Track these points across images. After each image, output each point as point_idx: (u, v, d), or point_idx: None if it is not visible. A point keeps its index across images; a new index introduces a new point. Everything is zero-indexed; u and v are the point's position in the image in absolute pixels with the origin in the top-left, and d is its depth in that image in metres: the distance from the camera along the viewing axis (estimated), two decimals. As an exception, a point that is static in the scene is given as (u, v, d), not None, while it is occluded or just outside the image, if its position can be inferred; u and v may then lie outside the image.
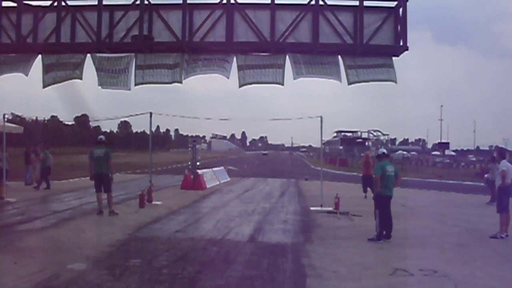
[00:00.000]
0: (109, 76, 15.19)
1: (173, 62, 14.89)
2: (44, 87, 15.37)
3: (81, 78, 15.21)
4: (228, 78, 14.98)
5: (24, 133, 33.57)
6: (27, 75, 15.43)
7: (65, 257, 11.34)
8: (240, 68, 14.83)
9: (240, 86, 14.95)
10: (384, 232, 14.44)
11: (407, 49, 14.38)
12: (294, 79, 14.78)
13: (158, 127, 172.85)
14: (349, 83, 14.76)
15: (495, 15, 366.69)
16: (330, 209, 20.14)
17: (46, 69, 15.31)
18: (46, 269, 10.04)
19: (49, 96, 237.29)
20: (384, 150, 15.76)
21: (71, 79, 15.25)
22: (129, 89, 15.17)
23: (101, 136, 19.01)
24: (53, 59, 15.33)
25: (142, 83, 15.02)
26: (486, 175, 32.40)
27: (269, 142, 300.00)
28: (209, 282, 9.76)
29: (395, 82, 14.74)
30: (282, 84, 14.79)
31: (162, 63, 14.97)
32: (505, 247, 14.03)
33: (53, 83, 15.35)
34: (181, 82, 14.84)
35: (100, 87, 15.23)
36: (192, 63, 14.95)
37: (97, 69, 15.22)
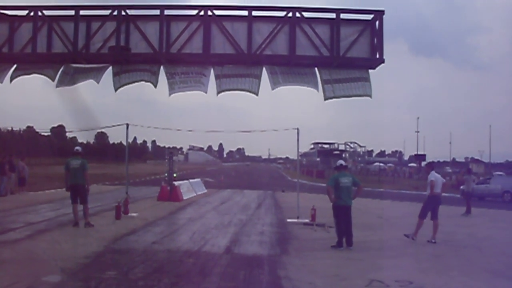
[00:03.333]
0: (81, 74, 15.21)
1: (150, 71, 14.96)
2: (11, 81, 15.35)
3: (53, 80, 15.12)
4: (206, 93, 15.04)
5: (-1, 143, 33.23)
6: (1, 82, 15.35)
7: (40, 269, 11.22)
8: (217, 77, 14.88)
9: (218, 93, 15.01)
10: (345, 239, 14.84)
11: (383, 62, 14.52)
12: (272, 89, 14.85)
13: (135, 138, 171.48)
14: (325, 99, 14.85)
15: (470, 29, 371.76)
16: (307, 221, 20.18)
17: (18, 69, 15.27)
18: (20, 281, 9.92)
19: (24, 105, 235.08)
20: (342, 162, 16.13)
21: (41, 74, 15.18)
22: (98, 82, 15.16)
23: (78, 147, 18.87)
24: (28, 65, 15.29)
25: (120, 86, 15.07)
26: (461, 187, 32.82)
27: (246, 153, 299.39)
28: (185, 294, 9.74)
29: (370, 96, 14.87)
30: (257, 94, 14.84)
31: (139, 68, 15.03)
32: (480, 257, 14.19)
33: (23, 75, 15.32)
34: (155, 86, 14.95)
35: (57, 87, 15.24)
36: (170, 78, 14.95)
37: (72, 73, 15.22)
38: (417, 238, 16.29)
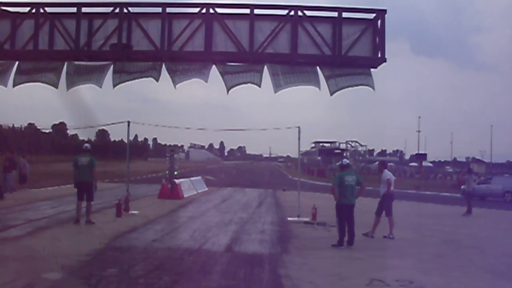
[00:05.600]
0: (82, 75, 15.24)
1: (152, 68, 15.00)
2: (14, 86, 15.36)
3: (56, 87, 15.16)
4: (206, 82, 15.17)
5: (0, 141, 33.22)
6: (5, 86, 15.38)
7: (40, 266, 11.20)
8: (221, 74, 14.97)
9: (228, 90, 15.16)
10: (347, 239, 14.84)
11: (385, 61, 14.52)
12: (275, 92, 14.92)
13: (136, 136, 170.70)
14: (331, 94, 14.90)
15: (472, 28, 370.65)
16: (308, 219, 20.16)
17: (20, 71, 15.26)
18: (20, 278, 9.91)
19: (26, 103, 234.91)
20: (347, 161, 16.36)
21: (44, 82, 15.21)
22: (100, 87, 15.28)
23: (87, 144, 18.87)
24: (30, 65, 15.29)
25: (120, 83, 15.08)
26: (462, 187, 32.77)
27: (248, 152, 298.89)
28: (186, 292, 9.72)
29: (373, 88, 14.94)
30: (259, 86, 14.96)
31: (140, 64, 15.07)
32: (481, 258, 14.15)
33: (26, 82, 15.35)
34: (157, 80, 14.99)
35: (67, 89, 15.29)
36: (171, 73, 14.99)
37: (74, 73, 15.24)
38: (393, 235, 16.68)
